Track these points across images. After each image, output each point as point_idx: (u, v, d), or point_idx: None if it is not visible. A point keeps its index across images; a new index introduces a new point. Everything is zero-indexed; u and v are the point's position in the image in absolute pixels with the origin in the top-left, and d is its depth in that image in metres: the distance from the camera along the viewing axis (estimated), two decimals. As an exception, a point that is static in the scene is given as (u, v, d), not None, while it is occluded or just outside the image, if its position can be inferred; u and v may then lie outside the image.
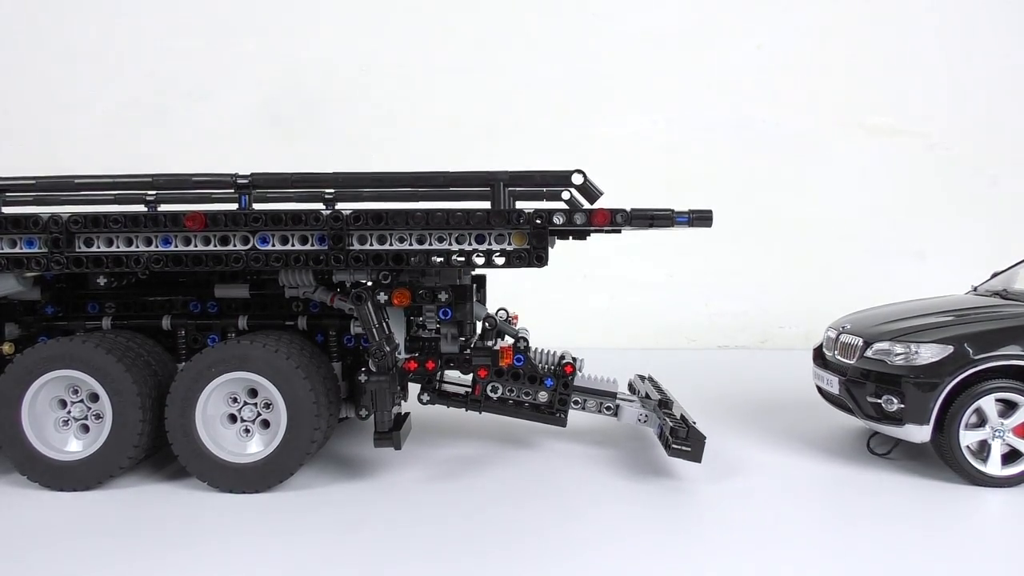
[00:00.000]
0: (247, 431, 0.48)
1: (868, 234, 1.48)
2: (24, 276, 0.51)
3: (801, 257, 1.45)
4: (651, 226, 0.47)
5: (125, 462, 0.46)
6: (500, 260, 0.47)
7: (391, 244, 0.48)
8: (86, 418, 0.48)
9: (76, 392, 0.49)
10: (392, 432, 0.46)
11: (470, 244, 0.47)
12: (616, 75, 1.48)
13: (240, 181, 0.48)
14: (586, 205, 0.49)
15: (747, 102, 1.46)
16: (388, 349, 0.47)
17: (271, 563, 0.36)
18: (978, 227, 1.45)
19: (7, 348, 0.53)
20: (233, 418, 0.48)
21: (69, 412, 0.48)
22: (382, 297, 0.49)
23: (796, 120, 1.46)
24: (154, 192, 0.49)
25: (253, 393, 0.48)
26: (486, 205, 0.48)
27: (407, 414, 0.53)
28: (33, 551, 0.38)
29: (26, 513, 0.44)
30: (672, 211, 0.47)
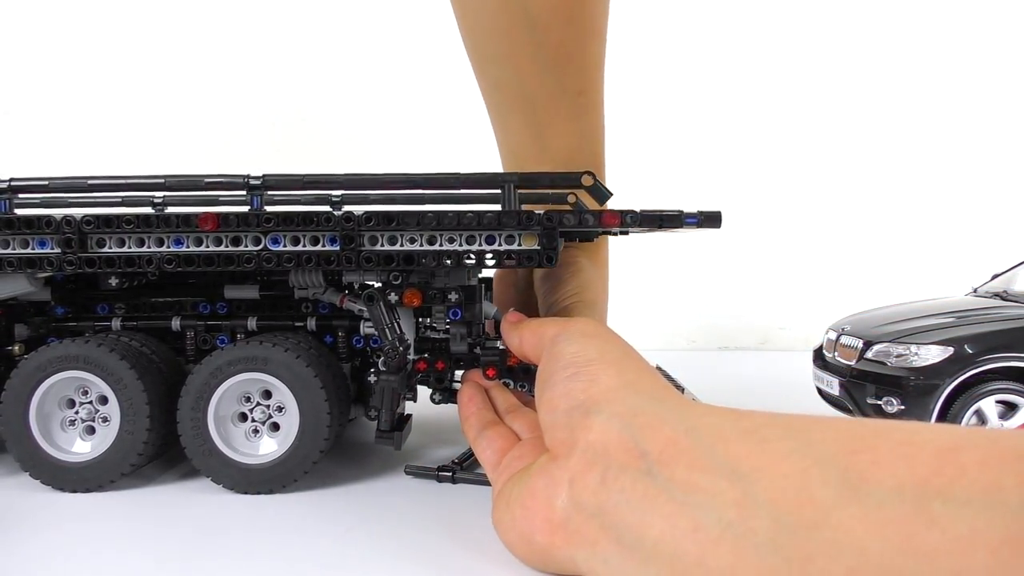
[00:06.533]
0: (256, 431, 0.48)
1: (868, 235, 1.48)
2: (36, 277, 0.52)
3: (801, 258, 1.45)
4: (661, 227, 0.48)
5: (127, 468, 0.46)
6: (511, 261, 0.47)
7: (402, 245, 0.48)
8: (93, 420, 0.48)
9: (86, 393, 0.49)
10: (393, 432, 0.46)
11: (480, 245, 0.48)
12: (617, 75, 1.50)
13: (252, 182, 0.49)
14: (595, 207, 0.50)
15: (751, 100, 1.47)
16: (401, 349, 0.47)
17: (273, 563, 0.37)
18: (978, 227, 1.46)
19: (18, 350, 0.53)
20: (243, 417, 0.48)
21: (77, 412, 0.48)
22: (392, 297, 0.49)
23: (797, 118, 1.46)
24: (165, 193, 0.50)
25: (267, 395, 0.48)
26: (495, 206, 0.48)
27: (409, 415, 0.53)
28: (34, 551, 0.39)
29: (27, 513, 0.45)
30: (682, 212, 0.47)
